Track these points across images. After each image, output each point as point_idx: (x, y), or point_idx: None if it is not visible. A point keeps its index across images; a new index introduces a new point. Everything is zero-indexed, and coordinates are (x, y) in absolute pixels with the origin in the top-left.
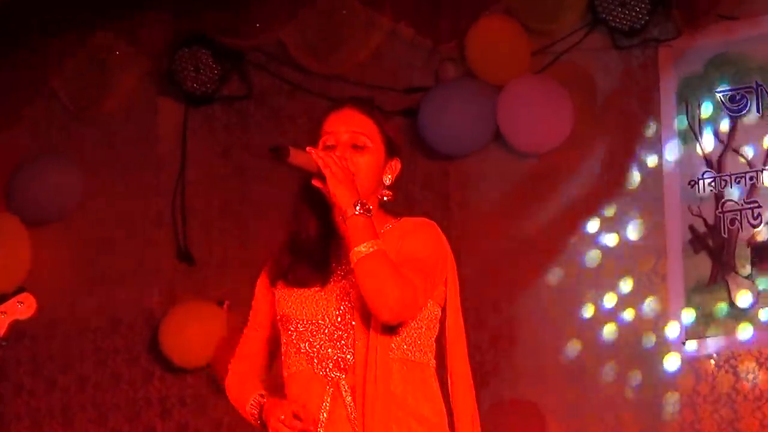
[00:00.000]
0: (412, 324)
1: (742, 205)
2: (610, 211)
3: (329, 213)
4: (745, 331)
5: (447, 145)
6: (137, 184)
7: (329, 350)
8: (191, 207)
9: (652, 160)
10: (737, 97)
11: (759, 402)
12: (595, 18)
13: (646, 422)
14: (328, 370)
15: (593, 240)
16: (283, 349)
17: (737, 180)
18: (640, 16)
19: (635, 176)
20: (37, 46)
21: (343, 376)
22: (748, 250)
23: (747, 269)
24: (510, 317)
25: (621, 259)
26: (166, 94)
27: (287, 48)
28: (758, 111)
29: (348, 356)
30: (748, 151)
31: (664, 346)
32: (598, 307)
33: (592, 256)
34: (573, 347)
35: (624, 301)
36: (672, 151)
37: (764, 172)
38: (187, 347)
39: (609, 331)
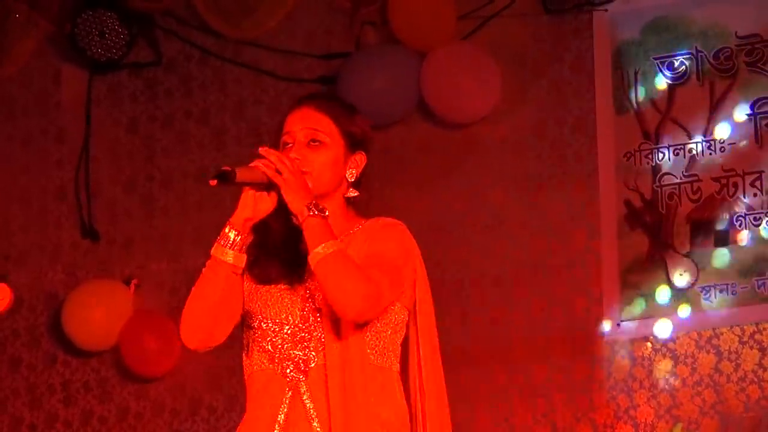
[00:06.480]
0: (378, 327)
1: (681, 178)
2: (541, 185)
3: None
4: (683, 313)
5: (367, 115)
6: (38, 156)
7: (291, 351)
8: (95, 181)
9: (585, 131)
10: (676, 64)
11: (698, 387)
12: None
13: (579, 407)
14: (288, 370)
15: (522, 214)
16: (245, 346)
17: (676, 152)
18: None
19: (567, 148)
20: None
21: (303, 378)
22: (688, 227)
23: (686, 247)
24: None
25: (552, 236)
26: (69, 60)
27: (197, 10)
28: (698, 79)
29: (311, 358)
30: (688, 122)
31: (598, 329)
32: (529, 287)
33: (522, 232)
34: (503, 328)
35: (556, 281)
36: (607, 122)
37: (705, 143)
38: (92, 329)
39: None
